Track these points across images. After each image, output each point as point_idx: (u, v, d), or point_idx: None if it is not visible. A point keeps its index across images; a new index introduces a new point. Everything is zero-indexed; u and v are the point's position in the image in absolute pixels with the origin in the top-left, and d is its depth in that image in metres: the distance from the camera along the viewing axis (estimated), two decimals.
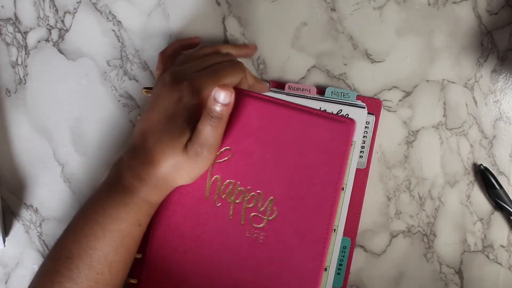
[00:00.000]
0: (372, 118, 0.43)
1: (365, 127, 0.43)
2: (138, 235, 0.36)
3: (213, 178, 0.38)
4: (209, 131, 0.33)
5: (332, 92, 0.43)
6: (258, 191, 0.36)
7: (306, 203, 0.35)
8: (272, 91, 0.44)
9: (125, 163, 0.35)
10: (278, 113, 0.36)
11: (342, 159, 0.35)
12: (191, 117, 0.34)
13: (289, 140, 0.35)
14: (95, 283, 0.34)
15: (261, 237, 0.36)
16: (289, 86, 0.44)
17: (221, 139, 0.35)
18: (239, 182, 0.37)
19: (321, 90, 0.44)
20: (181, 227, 0.39)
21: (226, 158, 0.37)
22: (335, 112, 0.43)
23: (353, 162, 0.43)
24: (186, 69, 0.35)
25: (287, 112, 0.35)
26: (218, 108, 0.33)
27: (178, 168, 0.34)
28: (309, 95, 0.44)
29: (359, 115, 0.43)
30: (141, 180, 0.34)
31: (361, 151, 0.43)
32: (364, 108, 0.43)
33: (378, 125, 0.43)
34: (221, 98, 0.33)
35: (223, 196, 0.37)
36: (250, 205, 0.37)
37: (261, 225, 0.36)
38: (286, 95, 0.44)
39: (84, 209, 0.36)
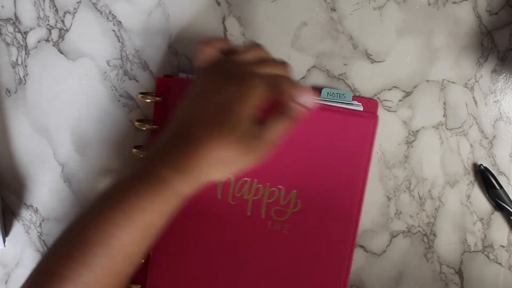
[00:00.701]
0: None
1: None
2: (160, 227, 0.35)
3: (224, 179, 0.40)
4: (278, 129, 0.34)
5: (328, 93, 0.43)
6: (279, 187, 0.39)
7: (331, 195, 0.39)
8: None
9: (160, 154, 0.34)
10: None
11: (367, 154, 0.38)
12: (248, 115, 0.34)
13: (311, 137, 0.37)
14: (110, 271, 0.33)
15: (285, 229, 0.39)
16: None
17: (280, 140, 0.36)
18: (256, 180, 0.39)
19: (317, 91, 0.43)
20: (187, 229, 0.39)
21: None
22: None
23: None
24: (244, 67, 0.35)
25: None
26: (299, 108, 0.34)
27: (223, 161, 0.34)
28: None
29: None
30: (176, 170, 0.33)
31: None
32: (361, 108, 0.43)
33: (377, 125, 0.43)
34: (305, 100, 0.34)
35: (238, 195, 0.40)
36: (271, 200, 0.39)
37: (284, 217, 0.39)
38: None
39: (106, 198, 0.34)
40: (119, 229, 0.33)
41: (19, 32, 0.47)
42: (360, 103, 0.43)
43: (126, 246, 0.33)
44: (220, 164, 0.34)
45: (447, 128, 0.44)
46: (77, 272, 0.32)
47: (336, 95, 0.43)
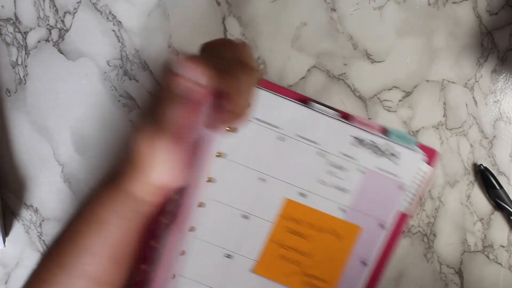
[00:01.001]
0: (429, 169, 0.40)
1: (419, 175, 0.40)
2: (125, 232, 0.33)
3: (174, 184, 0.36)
4: (171, 110, 0.29)
5: (395, 134, 0.40)
6: None
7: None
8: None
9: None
10: None
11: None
12: (162, 106, 0.30)
13: None
14: (83, 273, 0.32)
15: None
16: (356, 119, 0.40)
17: (185, 125, 0.30)
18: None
19: (384, 128, 0.40)
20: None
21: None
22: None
23: (397, 203, 0.40)
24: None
25: None
26: (184, 85, 0.28)
27: (142, 156, 0.31)
28: (373, 131, 0.40)
29: (413, 161, 0.40)
30: (124, 167, 0.33)
31: (409, 197, 0.40)
32: (421, 154, 0.39)
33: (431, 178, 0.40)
34: (190, 73, 0.28)
35: None
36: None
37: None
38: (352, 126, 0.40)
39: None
40: (83, 225, 0.33)
41: (19, 32, 0.47)
42: (421, 151, 0.40)
43: (92, 247, 0.33)
44: (145, 160, 0.31)
45: (447, 128, 0.44)
46: (51, 272, 0.32)
47: (401, 138, 0.40)
